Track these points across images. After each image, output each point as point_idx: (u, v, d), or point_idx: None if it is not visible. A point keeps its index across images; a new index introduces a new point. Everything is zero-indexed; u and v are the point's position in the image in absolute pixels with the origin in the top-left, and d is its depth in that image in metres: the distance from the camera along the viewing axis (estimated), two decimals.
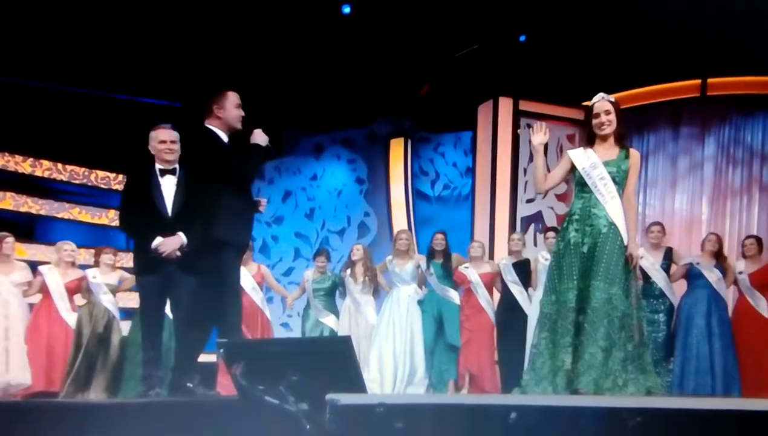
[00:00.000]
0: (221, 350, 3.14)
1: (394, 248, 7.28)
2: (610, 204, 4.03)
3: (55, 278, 6.86)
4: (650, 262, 6.76)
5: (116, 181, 9.86)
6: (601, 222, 4.01)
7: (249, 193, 4.47)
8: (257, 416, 3.07)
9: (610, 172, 4.06)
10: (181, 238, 4.37)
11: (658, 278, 6.73)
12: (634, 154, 4.14)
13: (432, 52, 8.82)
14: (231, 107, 4.37)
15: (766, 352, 6.58)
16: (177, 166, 4.52)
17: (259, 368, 3.02)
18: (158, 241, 4.32)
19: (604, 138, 4.14)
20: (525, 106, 8.88)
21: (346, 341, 3.06)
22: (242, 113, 4.36)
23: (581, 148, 4.23)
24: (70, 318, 6.87)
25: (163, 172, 4.47)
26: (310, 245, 10.23)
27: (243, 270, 7.34)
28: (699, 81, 8.78)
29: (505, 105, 8.84)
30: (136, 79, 9.18)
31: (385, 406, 2.69)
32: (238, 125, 4.32)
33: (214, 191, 4.26)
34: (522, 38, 8.53)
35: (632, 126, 9.20)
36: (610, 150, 4.13)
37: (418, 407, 2.81)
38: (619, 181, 4.07)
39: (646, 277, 6.78)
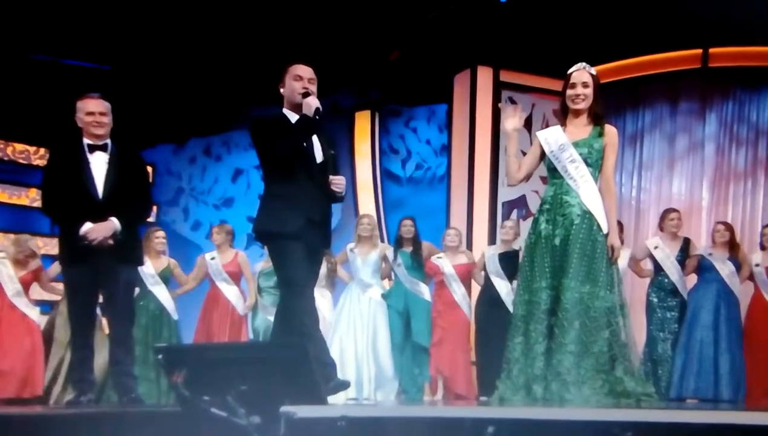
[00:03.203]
0: (159, 356, 3.10)
1: (356, 234, 7.25)
2: (584, 189, 4.04)
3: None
4: (665, 253, 6.82)
5: (37, 156, 9.69)
6: (574, 211, 4.03)
7: (297, 176, 4.12)
8: (201, 431, 3.04)
9: (581, 154, 4.06)
10: (113, 224, 4.33)
11: (672, 271, 6.81)
12: (610, 130, 4.15)
13: (402, 13, 8.76)
14: (289, 80, 4.22)
15: None
16: (108, 141, 4.47)
17: (203, 376, 2.99)
18: (87, 227, 4.27)
19: (577, 113, 4.15)
20: (507, 76, 8.89)
21: (302, 346, 3.04)
22: (304, 86, 4.15)
23: (552, 127, 4.23)
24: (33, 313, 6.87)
25: (93, 148, 4.42)
26: None
27: (216, 258, 7.35)
28: (700, 51, 8.83)
29: (485, 75, 8.84)
30: (60, 37, 8.96)
31: (347, 419, 2.68)
32: (299, 100, 4.13)
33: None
34: None
35: (626, 100, 9.29)
36: (582, 128, 4.14)
37: (384, 420, 2.81)
38: (593, 162, 4.08)
39: (658, 268, 6.85)
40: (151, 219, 7.67)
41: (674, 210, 7.25)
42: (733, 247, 6.91)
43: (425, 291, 7.15)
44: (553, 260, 4.00)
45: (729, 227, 7.06)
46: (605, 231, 4.03)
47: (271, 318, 7.21)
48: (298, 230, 4.02)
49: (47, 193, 4.48)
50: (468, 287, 7.23)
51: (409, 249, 7.19)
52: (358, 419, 2.74)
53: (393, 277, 7.33)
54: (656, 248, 6.91)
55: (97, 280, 4.39)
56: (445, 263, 7.10)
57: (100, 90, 4.64)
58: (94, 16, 8.45)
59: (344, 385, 4.20)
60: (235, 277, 7.40)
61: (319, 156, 4.16)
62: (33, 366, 6.69)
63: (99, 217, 4.30)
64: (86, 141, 4.42)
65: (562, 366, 3.82)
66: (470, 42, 8.74)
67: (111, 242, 4.30)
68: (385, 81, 9.79)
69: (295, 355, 2.93)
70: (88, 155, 4.40)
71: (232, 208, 10.40)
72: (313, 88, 4.19)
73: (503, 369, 4.12)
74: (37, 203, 8.81)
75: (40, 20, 8.40)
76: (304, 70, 4.19)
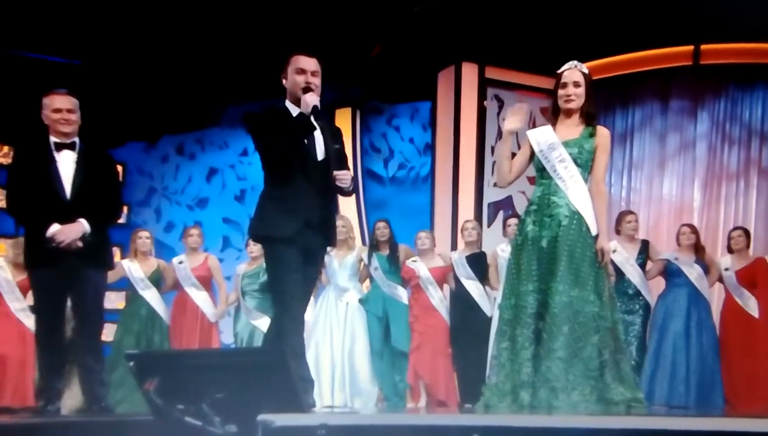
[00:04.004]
0: (131, 363, 3.08)
1: None
2: (573, 189, 4.06)
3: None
4: (624, 257, 6.89)
5: (1, 154, 9.62)
6: (562, 212, 4.05)
7: (294, 177, 4.10)
8: None
9: (570, 153, 4.08)
10: (82, 225, 4.32)
11: (633, 274, 6.89)
12: (602, 132, 4.17)
13: (385, 7, 8.77)
14: (292, 73, 4.11)
15: (757, 356, 6.81)
16: (77, 139, 4.45)
17: (177, 383, 2.98)
18: (55, 228, 4.26)
19: (569, 113, 4.18)
20: (493, 73, 8.93)
21: (281, 352, 3.04)
22: (307, 80, 4.04)
23: (542, 127, 4.25)
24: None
25: (60, 147, 4.41)
26: (242, 233, 10.12)
27: (184, 262, 7.30)
28: (691, 47, 8.90)
29: (470, 71, 8.88)
30: (26, 30, 8.89)
31: (327, 428, 2.68)
32: (300, 95, 4.03)
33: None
34: None
35: (616, 98, 9.34)
36: (573, 128, 4.16)
37: (366, 428, 2.81)
38: (582, 163, 4.10)
39: (619, 273, 6.92)
40: (121, 220, 7.63)
41: (630, 212, 7.35)
42: (698, 249, 7.02)
43: (404, 295, 7.19)
44: (540, 263, 4.01)
45: (694, 229, 7.17)
46: (594, 233, 4.04)
47: (254, 322, 7.24)
48: (294, 234, 3.99)
49: (12, 193, 4.45)
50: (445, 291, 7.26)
51: (385, 252, 7.22)
52: (338, 427, 2.73)
53: (370, 281, 7.35)
54: (614, 251, 6.96)
55: (64, 284, 4.36)
56: (420, 267, 7.13)
57: (67, 85, 4.62)
58: (61, 8, 8.39)
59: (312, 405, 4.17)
60: (205, 282, 7.36)
61: (320, 153, 4.11)
62: (24, 376, 6.62)
63: (67, 218, 4.28)
64: (53, 139, 4.40)
65: (551, 373, 3.83)
66: (455, 37, 8.75)
67: (80, 244, 4.28)
68: (366, 77, 9.78)
69: (272, 361, 2.93)
70: (55, 154, 4.39)
71: (207, 209, 10.36)
72: (317, 81, 4.09)
73: (489, 375, 4.13)
74: (2, 203, 8.76)
75: (5, 12, 8.33)
76: (308, 63, 4.09)
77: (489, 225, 8.75)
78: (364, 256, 7.23)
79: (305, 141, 4.07)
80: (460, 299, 7.07)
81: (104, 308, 4.71)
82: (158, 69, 9.27)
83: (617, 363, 4.00)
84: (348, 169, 4.22)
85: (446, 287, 7.31)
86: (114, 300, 8.11)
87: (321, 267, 4.38)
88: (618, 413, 3.72)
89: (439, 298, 7.12)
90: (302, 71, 4.06)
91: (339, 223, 7.26)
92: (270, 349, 3.55)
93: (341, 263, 7.17)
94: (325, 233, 4.16)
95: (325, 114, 4.07)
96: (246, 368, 2.97)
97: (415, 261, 7.18)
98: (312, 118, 4.01)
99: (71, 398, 6.34)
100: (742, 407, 6.68)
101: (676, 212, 9.06)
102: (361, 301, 7.18)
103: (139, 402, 5.61)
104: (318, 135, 4.11)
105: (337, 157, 4.14)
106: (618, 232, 7.11)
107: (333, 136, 4.21)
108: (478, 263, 7.04)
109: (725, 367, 6.84)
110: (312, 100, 3.98)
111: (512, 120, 4.19)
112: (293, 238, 3.99)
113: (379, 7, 8.69)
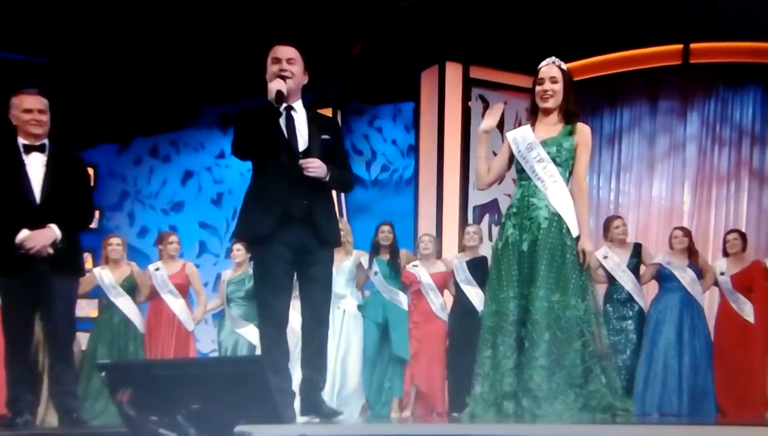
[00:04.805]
0: (102, 374, 3.08)
1: None
2: (552, 190, 4.07)
3: None
4: (615, 262, 6.93)
5: None
6: (541, 213, 4.05)
7: (268, 170, 4.01)
8: None
9: (549, 153, 4.09)
10: (52, 231, 4.30)
11: (625, 279, 6.93)
12: (582, 129, 4.17)
13: (366, 4, 8.78)
14: (269, 64, 4.04)
15: (753, 363, 6.87)
16: (46, 141, 4.43)
17: (151, 394, 2.98)
18: (24, 234, 4.24)
19: (547, 112, 4.18)
20: (477, 73, 8.97)
21: (258, 361, 3.04)
22: (281, 68, 3.94)
23: (521, 127, 4.27)
24: None
25: (29, 149, 4.39)
26: (219, 238, 10.12)
27: (161, 269, 7.28)
28: (680, 46, 8.97)
29: (454, 71, 8.92)
30: None
31: None
32: (275, 86, 3.88)
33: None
34: None
35: (603, 99, 9.40)
36: (552, 127, 4.17)
37: None
38: (562, 162, 4.11)
39: (611, 279, 6.96)
40: (93, 225, 7.60)
41: (618, 217, 7.37)
42: (692, 253, 7.07)
43: (404, 301, 7.19)
44: (521, 268, 4.03)
45: (687, 233, 7.21)
46: (575, 234, 4.05)
47: (240, 331, 7.24)
48: (270, 232, 3.92)
49: None
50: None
51: (386, 257, 7.22)
52: None
53: (367, 286, 7.35)
54: (605, 257, 7.01)
55: (34, 291, 4.34)
56: (421, 272, 7.14)
57: (32, 84, 4.61)
58: (27, 3, 8.34)
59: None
60: (183, 289, 7.35)
61: (302, 143, 4.00)
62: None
63: (36, 223, 4.27)
64: (22, 141, 4.38)
65: (533, 381, 3.85)
66: (438, 35, 8.77)
67: (50, 250, 4.27)
68: (347, 77, 9.79)
69: (250, 371, 2.93)
70: (24, 156, 4.37)
71: (182, 213, 10.34)
72: (295, 68, 4.00)
73: (473, 384, 4.14)
74: None
75: None
76: (281, 51, 4.02)
77: None
78: (363, 260, 7.22)
79: (285, 133, 3.97)
80: (460, 305, 7.08)
81: (76, 316, 4.69)
82: (130, 67, 9.22)
83: (602, 369, 4.00)
84: (342, 160, 4.14)
85: (448, 293, 7.33)
86: (86, 308, 8.08)
87: (325, 267, 4.14)
88: (603, 422, 3.75)
89: (440, 304, 7.14)
90: (277, 60, 4.01)
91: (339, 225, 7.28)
92: (247, 358, 3.55)
93: (338, 269, 7.10)
94: (316, 228, 4.00)
95: (281, 104, 3.89)
96: (222, 378, 2.97)
97: (416, 266, 7.19)
98: (283, 105, 3.89)
99: (46, 411, 6.34)
100: (734, 414, 6.74)
101: (665, 216, 9.12)
102: (359, 307, 7.19)
103: (111, 417, 5.60)
104: (302, 125, 4.03)
105: (323, 148, 4.02)
106: (607, 238, 7.16)
107: (322, 125, 4.12)
108: (479, 268, 7.00)
109: (718, 373, 6.89)
110: (275, 86, 3.88)
111: (487, 119, 4.21)
112: (270, 236, 3.93)
113: (360, 4, 8.69)
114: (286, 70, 3.98)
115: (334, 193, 4.40)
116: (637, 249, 7.12)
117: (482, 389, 4.03)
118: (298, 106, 4.07)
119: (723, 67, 8.97)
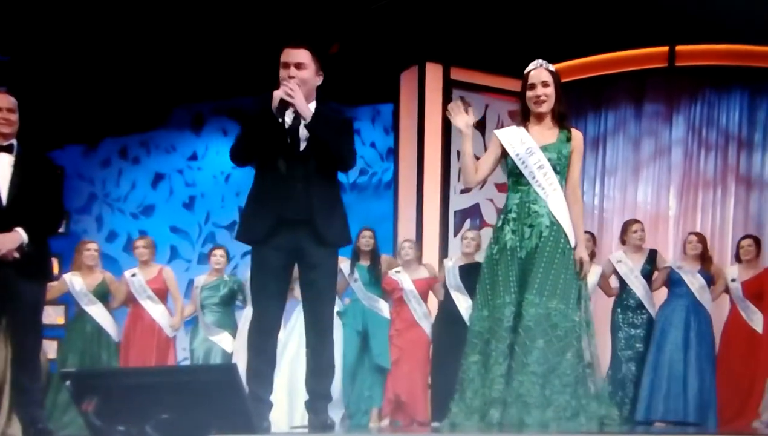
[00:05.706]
0: (67, 383, 3.08)
1: None
2: (552, 198, 4.12)
3: None
4: (629, 267, 6.98)
5: None
6: (543, 221, 4.11)
7: (265, 173, 4.06)
8: None
9: (549, 160, 4.14)
10: (19, 235, 4.30)
11: (637, 285, 7.00)
12: (577, 135, 4.24)
13: (344, 2, 8.79)
14: (280, 66, 4.06)
15: (756, 372, 6.90)
16: (14, 141, 4.42)
17: (118, 404, 2.98)
18: None
19: (540, 116, 4.23)
20: (458, 74, 9.00)
21: (231, 369, 3.05)
22: (289, 75, 3.98)
23: (513, 127, 4.29)
24: None
25: None
26: (191, 243, 10.10)
27: (138, 275, 7.26)
28: (666, 48, 9.02)
29: (434, 72, 8.94)
30: None
31: None
32: (278, 96, 3.94)
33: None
34: None
35: (587, 101, 9.47)
36: (547, 131, 4.22)
37: None
38: (561, 169, 4.17)
39: (622, 284, 7.01)
40: (60, 230, 7.57)
41: (636, 221, 7.44)
42: (705, 260, 7.11)
43: (385, 308, 7.22)
44: (518, 274, 4.07)
45: (702, 239, 7.25)
46: (573, 244, 4.11)
47: (213, 338, 7.23)
48: (264, 237, 3.95)
49: None
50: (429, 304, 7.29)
51: (366, 263, 7.25)
52: None
53: (347, 293, 7.36)
54: (619, 262, 7.08)
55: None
56: (404, 278, 7.16)
57: None
58: None
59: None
60: (162, 294, 7.34)
61: (303, 144, 4.03)
62: None
63: (2, 227, 4.26)
64: None
65: (524, 388, 3.89)
66: (418, 35, 8.78)
67: (16, 254, 4.26)
68: (324, 77, 9.77)
69: (222, 379, 2.94)
70: None
71: (153, 218, 10.29)
72: (304, 73, 4.03)
73: (456, 391, 4.17)
74: None
75: None
76: (290, 55, 4.04)
77: (455, 234, 8.81)
78: (343, 266, 7.24)
79: (288, 137, 3.99)
80: (446, 312, 7.11)
81: (42, 323, 4.68)
82: (99, 65, 9.17)
83: (592, 378, 4.08)
84: (342, 135, 4.17)
85: (432, 299, 7.35)
86: (52, 315, 8.04)
87: (324, 270, 4.08)
88: (590, 431, 3.79)
89: (422, 312, 7.17)
90: (285, 65, 4.04)
91: None
92: (220, 366, 3.56)
93: None
94: (315, 229, 3.97)
95: (284, 112, 3.97)
96: (193, 386, 2.98)
97: (398, 272, 7.21)
98: (285, 112, 3.95)
99: (7, 423, 6.29)
100: (735, 423, 6.79)
101: (651, 221, 9.16)
102: (339, 314, 7.20)
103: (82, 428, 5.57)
104: (303, 127, 4.02)
105: (322, 122, 4.05)
106: (624, 241, 7.22)
107: (332, 126, 4.12)
108: (471, 275, 7.00)
109: (722, 382, 6.94)
110: (278, 93, 3.93)
111: (460, 118, 4.17)
112: (262, 241, 3.96)
113: (337, 2, 8.71)
114: (295, 76, 4.00)
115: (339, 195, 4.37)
116: (652, 256, 7.18)
117: (466, 395, 4.06)
118: (312, 106, 4.08)
119: (709, 70, 9.03)
